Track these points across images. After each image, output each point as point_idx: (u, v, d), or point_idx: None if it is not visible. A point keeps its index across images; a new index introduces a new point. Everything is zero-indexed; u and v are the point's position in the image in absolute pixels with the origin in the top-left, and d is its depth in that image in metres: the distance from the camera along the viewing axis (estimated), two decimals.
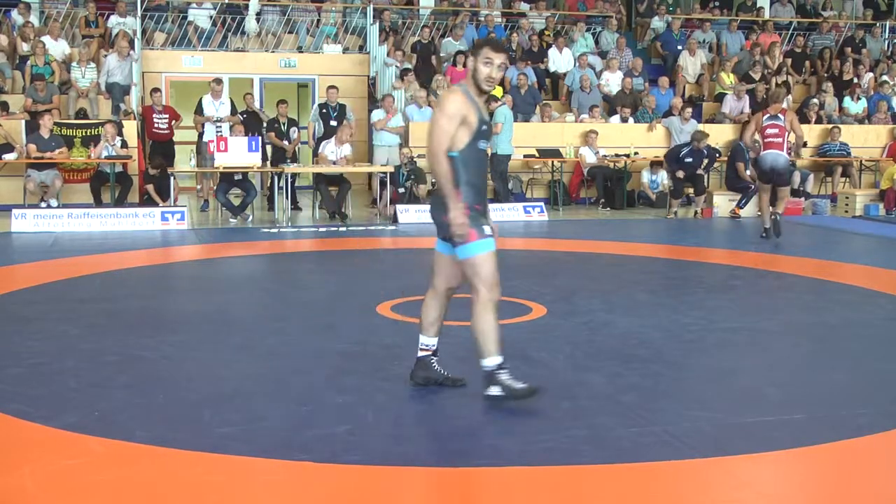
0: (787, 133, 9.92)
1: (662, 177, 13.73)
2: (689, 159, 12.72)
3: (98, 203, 11.85)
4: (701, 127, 13.84)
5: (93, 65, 13.41)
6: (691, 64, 16.13)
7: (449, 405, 4.21)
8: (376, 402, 4.18)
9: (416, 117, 13.19)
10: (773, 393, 4.45)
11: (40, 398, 4.21)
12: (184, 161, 12.98)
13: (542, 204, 12.62)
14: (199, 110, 13.10)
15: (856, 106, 15.91)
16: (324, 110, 13.02)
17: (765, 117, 10.09)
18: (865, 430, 3.88)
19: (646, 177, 13.91)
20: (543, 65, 15.51)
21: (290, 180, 11.86)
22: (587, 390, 4.43)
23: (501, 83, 13.41)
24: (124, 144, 12.09)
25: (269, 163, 12.50)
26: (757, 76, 15.74)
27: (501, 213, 11.88)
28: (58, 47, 13.58)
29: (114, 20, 14.48)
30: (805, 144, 13.69)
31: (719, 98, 15.52)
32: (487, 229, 4.09)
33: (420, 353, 4.39)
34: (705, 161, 12.88)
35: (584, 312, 6.23)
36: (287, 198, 11.85)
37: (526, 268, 8.16)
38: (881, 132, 15.49)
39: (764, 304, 6.72)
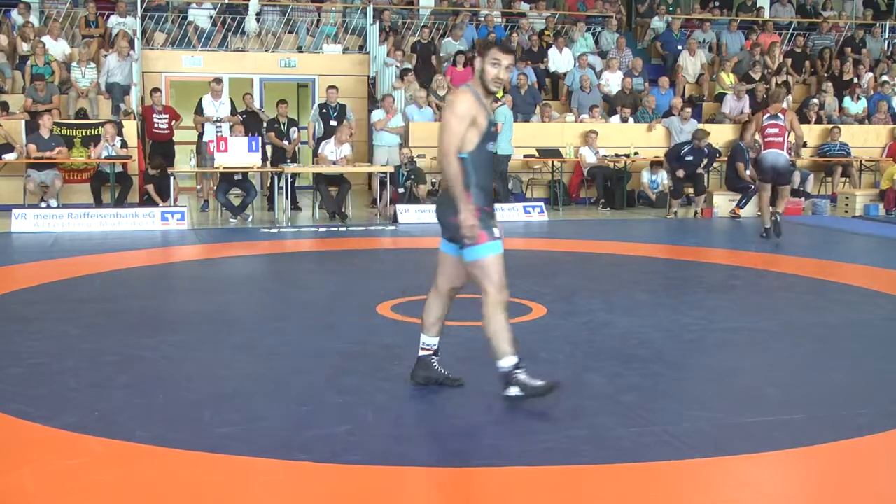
0: (787, 133, 9.94)
1: (662, 177, 13.73)
2: (690, 157, 12.72)
3: (98, 203, 11.85)
4: (701, 127, 13.83)
5: (93, 65, 13.41)
6: (691, 64, 16.12)
7: (449, 405, 4.21)
8: (376, 402, 4.18)
9: (416, 117, 13.20)
10: (773, 393, 4.45)
11: (40, 398, 4.20)
12: (184, 161, 12.98)
13: (542, 204, 12.62)
14: (199, 110, 13.09)
15: (856, 106, 15.90)
16: (324, 110, 13.02)
17: (765, 117, 10.10)
18: (865, 430, 3.88)
19: (646, 177, 13.91)
20: (543, 65, 15.51)
21: (290, 180, 11.85)
22: (587, 390, 4.42)
23: None
24: (124, 144, 12.09)
25: (269, 163, 12.50)
26: (757, 76, 15.73)
27: (501, 213, 11.86)
28: (58, 47, 13.58)
29: (114, 20, 14.48)
30: (805, 144, 13.69)
31: (719, 98, 15.52)
32: (497, 231, 4.09)
33: (421, 353, 4.39)
34: (706, 160, 12.89)
35: (584, 312, 6.23)
36: (287, 198, 11.84)
37: (526, 268, 8.16)
38: (881, 132, 15.48)
39: (764, 304, 6.71)
